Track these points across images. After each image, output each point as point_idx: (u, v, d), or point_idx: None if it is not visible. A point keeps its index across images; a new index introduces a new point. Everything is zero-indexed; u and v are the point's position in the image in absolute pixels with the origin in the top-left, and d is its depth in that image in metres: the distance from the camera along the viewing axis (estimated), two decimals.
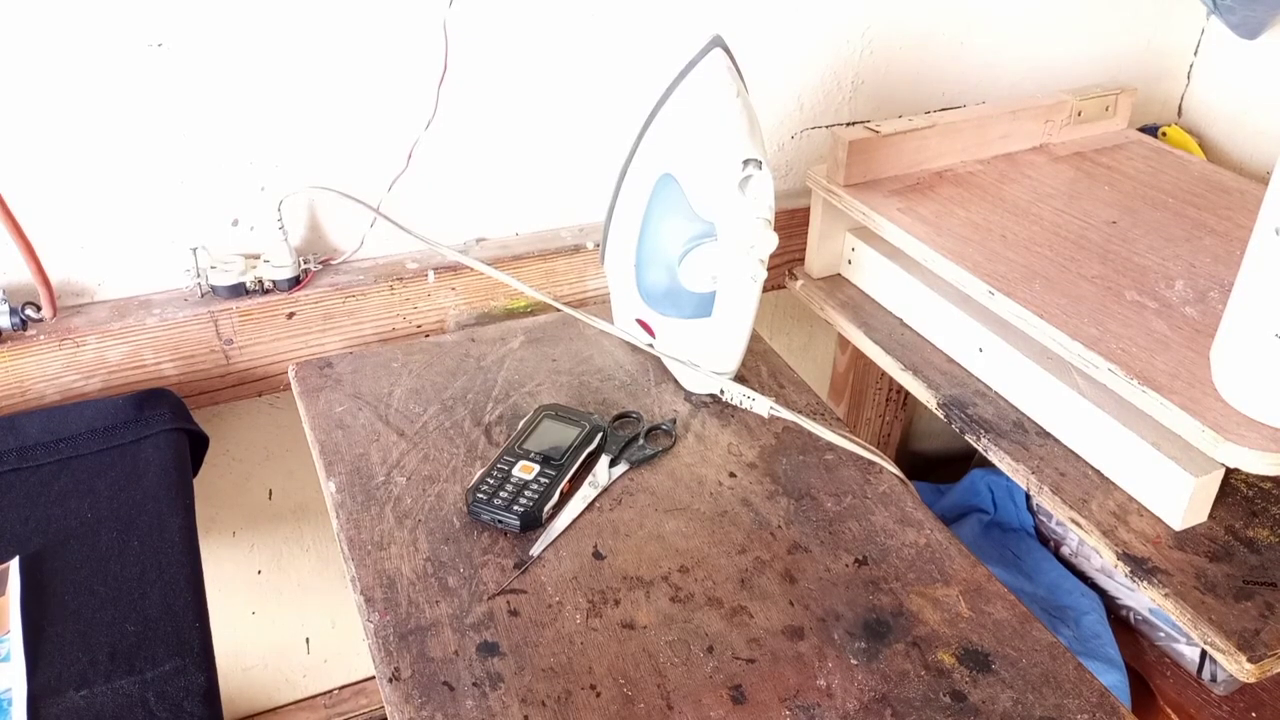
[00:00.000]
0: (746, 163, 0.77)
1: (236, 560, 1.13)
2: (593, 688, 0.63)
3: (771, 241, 0.79)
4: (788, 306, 1.26)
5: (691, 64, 0.79)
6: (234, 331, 0.92)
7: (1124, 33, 1.22)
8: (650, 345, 0.90)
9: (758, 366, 0.92)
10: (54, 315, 0.86)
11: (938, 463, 1.51)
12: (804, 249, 1.06)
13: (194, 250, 0.90)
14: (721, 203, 0.79)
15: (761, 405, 0.86)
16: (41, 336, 0.86)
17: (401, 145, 0.94)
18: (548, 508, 0.75)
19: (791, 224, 1.07)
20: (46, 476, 0.79)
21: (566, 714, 0.62)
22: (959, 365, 0.92)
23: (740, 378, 0.89)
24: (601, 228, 0.89)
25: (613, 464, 0.80)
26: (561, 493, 0.76)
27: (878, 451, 0.82)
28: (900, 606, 0.70)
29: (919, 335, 0.96)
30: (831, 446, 0.83)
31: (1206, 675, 1.09)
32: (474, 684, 0.63)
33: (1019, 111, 1.06)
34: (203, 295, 0.91)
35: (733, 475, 0.80)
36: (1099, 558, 0.84)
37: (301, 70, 0.88)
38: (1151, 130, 1.24)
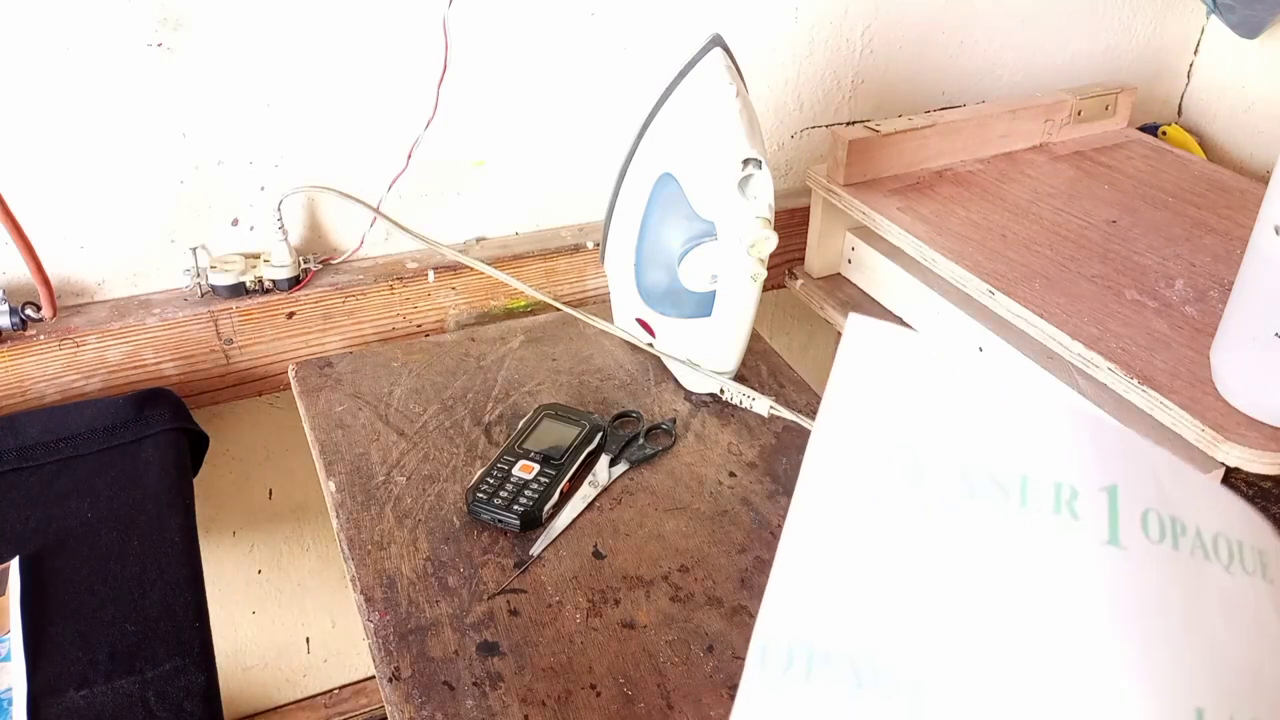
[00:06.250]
0: (746, 162, 0.77)
1: (236, 560, 1.13)
2: (593, 687, 0.63)
3: (771, 241, 0.79)
4: (788, 306, 1.26)
5: (691, 63, 0.79)
6: (234, 331, 0.92)
7: (1124, 32, 1.22)
8: (650, 345, 0.90)
9: (758, 366, 0.92)
10: (54, 315, 0.86)
11: None
12: (804, 248, 1.06)
13: (194, 250, 0.90)
14: (721, 202, 0.79)
15: (761, 404, 0.86)
16: (41, 336, 0.86)
17: (401, 145, 0.94)
18: (548, 507, 0.75)
19: (791, 223, 1.07)
20: (46, 476, 0.79)
21: (566, 714, 0.62)
22: None
23: (740, 377, 0.89)
24: (601, 227, 0.89)
25: (613, 463, 0.80)
26: (561, 492, 0.76)
27: None
28: None
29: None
30: None
31: None
32: (474, 683, 0.63)
33: (1019, 111, 1.06)
34: (203, 295, 0.91)
35: (733, 474, 0.80)
36: None
37: (301, 70, 0.88)
38: (1151, 129, 1.24)
